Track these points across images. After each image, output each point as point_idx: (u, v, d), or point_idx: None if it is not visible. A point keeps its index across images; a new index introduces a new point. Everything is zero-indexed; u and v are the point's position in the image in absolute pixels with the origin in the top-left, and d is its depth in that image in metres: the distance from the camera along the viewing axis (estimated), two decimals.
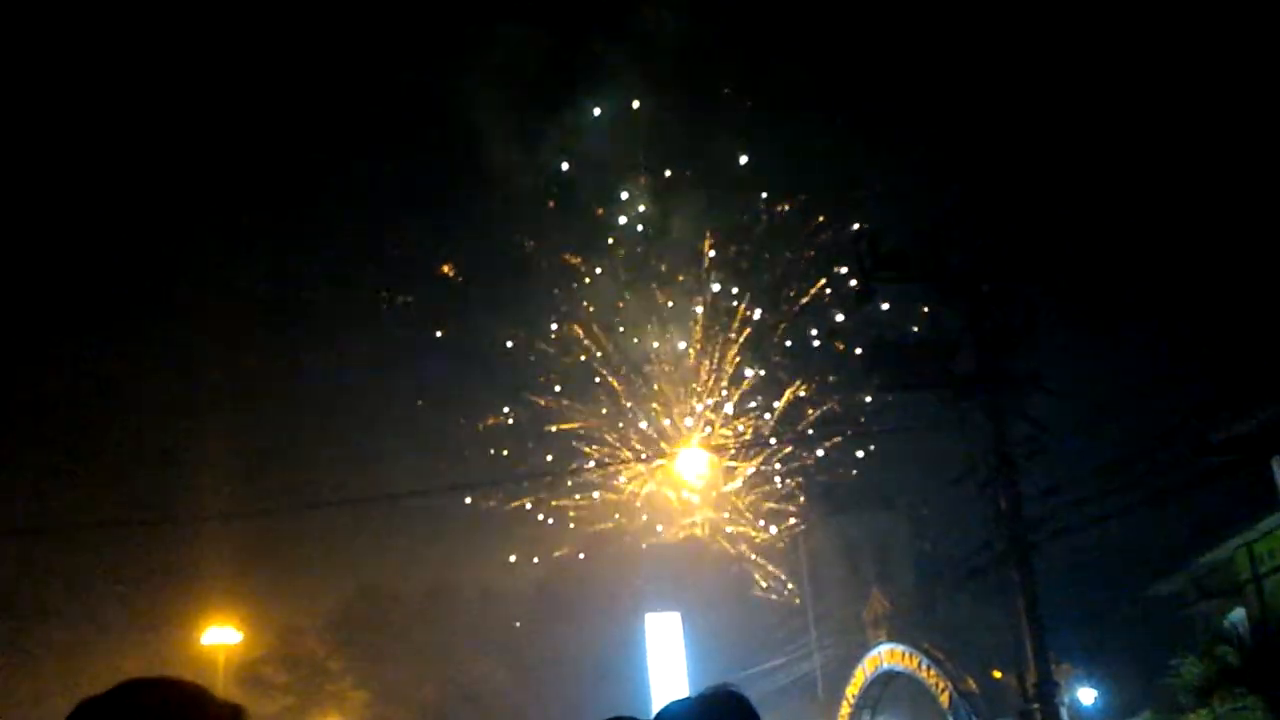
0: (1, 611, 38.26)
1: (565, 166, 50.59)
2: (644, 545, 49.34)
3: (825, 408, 48.16)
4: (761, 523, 50.28)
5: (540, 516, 49.72)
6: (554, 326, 50.26)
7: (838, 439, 46.86)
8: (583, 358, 49.91)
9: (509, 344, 49.60)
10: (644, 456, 49.01)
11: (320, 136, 53.27)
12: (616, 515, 50.55)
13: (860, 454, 48.18)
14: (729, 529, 50.65)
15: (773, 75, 49.25)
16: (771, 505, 50.25)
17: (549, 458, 49.88)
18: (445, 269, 50.08)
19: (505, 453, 49.88)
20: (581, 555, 49.11)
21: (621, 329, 50.61)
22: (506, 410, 50.10)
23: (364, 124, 55.06)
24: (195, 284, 49.04)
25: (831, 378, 48.19)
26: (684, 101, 51.11)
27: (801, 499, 49.60)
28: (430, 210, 58.98)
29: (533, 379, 49.69)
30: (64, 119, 46.37)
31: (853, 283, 29.43)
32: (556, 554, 49.76)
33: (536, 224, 50.71)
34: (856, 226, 40.11)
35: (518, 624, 44.80)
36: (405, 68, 54.55)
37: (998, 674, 28.99)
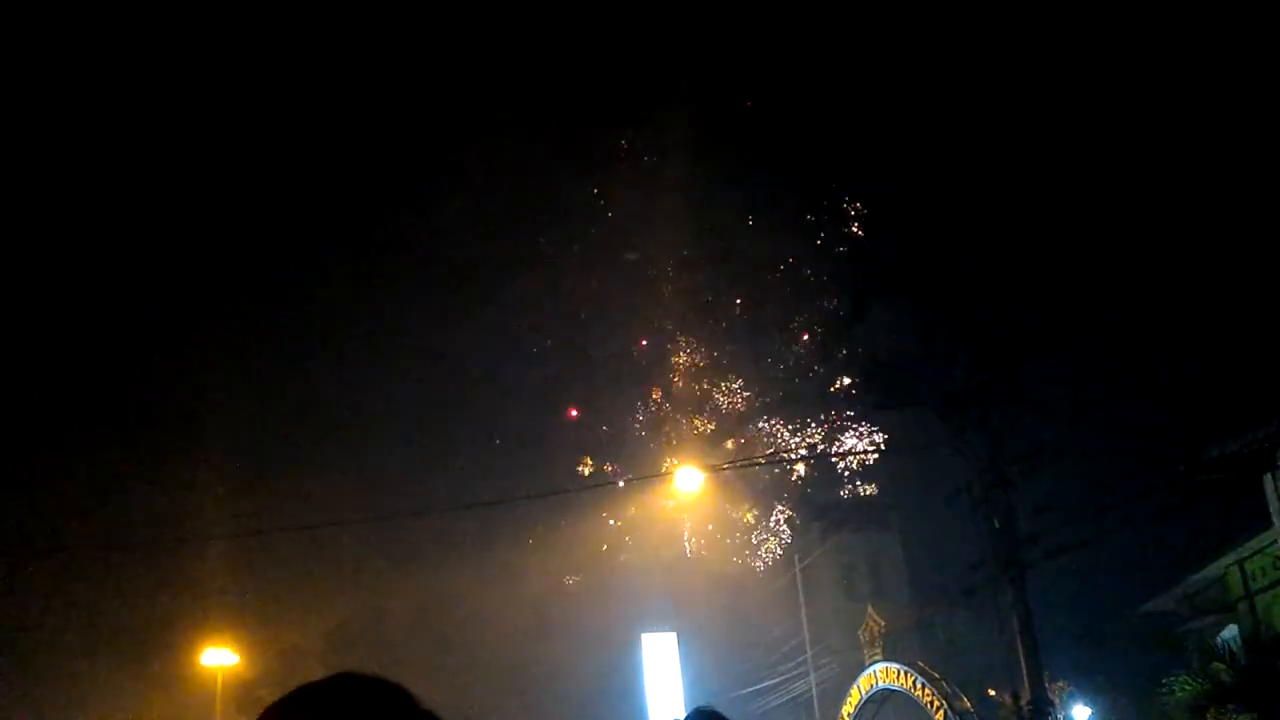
0: None
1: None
2: (639, 565, 49.28)
3: (818, 429, 48.14)
4: (756, 542, 50.26)
5: (537, 535, 49.71)
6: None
7: (833, 458, 46.84)
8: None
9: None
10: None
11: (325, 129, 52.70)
12: (611, 533, 50.55)
13: (855, 472, 48.15)
14: (724, 548, 50.61)
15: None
16: (766, 524, 50.24)
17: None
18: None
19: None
20: (575, 578, 49.04)
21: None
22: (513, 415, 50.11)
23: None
24: (193, 301, 49.05)
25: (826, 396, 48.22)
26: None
27: (796, 518, 49.58)
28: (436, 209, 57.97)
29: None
30: (67, 120, 46.57)
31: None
32: (553, 573, 49.68)
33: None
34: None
35: (514, 644, 44.69)
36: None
37: (992, 692, 29.00)
